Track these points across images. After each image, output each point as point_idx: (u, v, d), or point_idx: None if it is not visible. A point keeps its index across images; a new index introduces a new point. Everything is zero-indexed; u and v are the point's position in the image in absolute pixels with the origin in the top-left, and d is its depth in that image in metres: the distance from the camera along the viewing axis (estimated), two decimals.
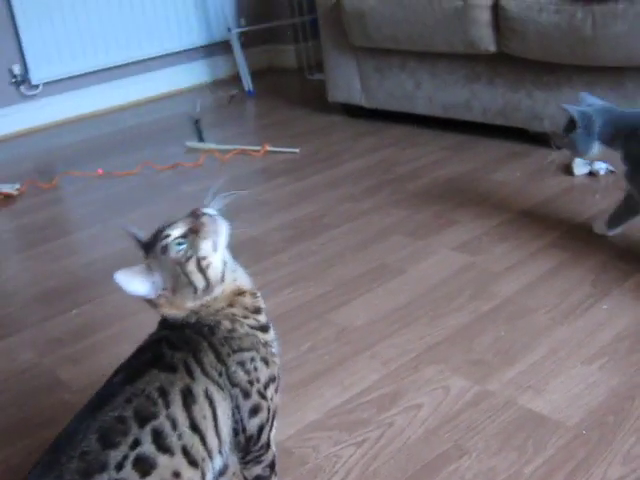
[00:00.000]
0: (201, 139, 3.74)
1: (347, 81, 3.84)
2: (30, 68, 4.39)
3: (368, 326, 2.03)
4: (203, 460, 1.16)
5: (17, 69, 4.39)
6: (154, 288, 1.22)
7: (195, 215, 1.25)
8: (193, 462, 1.14)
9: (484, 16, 3.09)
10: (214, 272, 1.23)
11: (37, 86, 4.46)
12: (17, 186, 3.42)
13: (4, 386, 1.96)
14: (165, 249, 1.22)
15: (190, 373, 1.18)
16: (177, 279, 1.21)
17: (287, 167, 3.35)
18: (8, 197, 3.36)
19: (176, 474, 1.11)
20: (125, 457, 1.07)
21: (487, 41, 3.12)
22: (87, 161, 3.75)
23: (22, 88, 4.43)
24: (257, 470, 1.31)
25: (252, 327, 1.27)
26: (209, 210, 1.27)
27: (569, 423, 1.59)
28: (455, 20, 3.17)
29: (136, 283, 1.21)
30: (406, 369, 1.83)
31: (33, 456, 1.61)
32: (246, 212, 2.85)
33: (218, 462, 1.21)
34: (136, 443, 1.08)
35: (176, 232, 1.23)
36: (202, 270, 1.21)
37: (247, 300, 1.29)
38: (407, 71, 3.56)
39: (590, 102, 2.19)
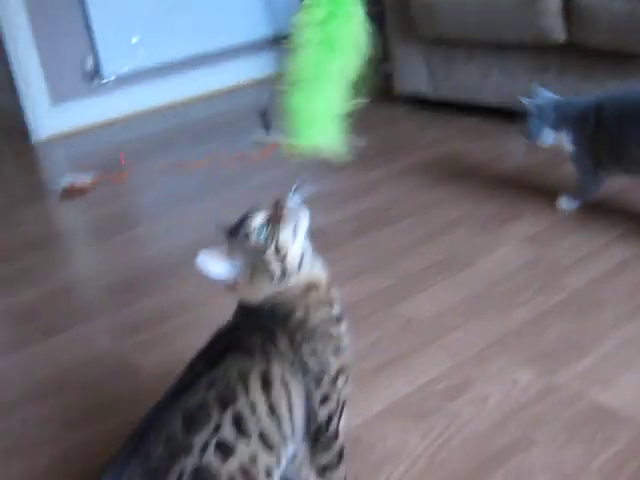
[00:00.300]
0: (268, 131, 3.79)
1: (414, 72, 3.83)
2: (102, 62, 4.50)
3: (435, 318, 2.04)
4: (279, 445, 1.20)
5: (89, 63, 4.51)
6: (233, 272, 1.26)
7: (277, 204, 1.28)
8: (270, 446, 1.18)
9: (554, 5, 3.04)
10: (292, 261, 1.26)
11: (108, 79, 4.56)
12: (90, 178, 3.52)
13: (81, 371, 2.03)
14: (247, 235, 1.25)
15: (267, 359, 1.21)
16: (255, 265, 1.25)
17: (353, 158, 3.36)
18: (82, 189, 3.46)
19: (253, 458, 1.15)
20: (208, 441, 1.11)
21: (557, 30, 3.07)
22: (156, 154, 3.85)
23: (94, 82, 4.55)
24: (326, 458, 1.33)
25: (324, 319, 1.29)
26: (292, 200, 1.30)
27: (639, 418, 1.57)
28: (524, 9, 3.13)
29: (216, 265, 1.25)
30: (473, 361, 1.83)
31: (109, 439, 1.68)
32: (312, 203, 2.87)
33: (291, 449, 1.24)
34: (217, 428, 1.12)
35: (258, 219, 1.26)
36: (280, 258, 1.24)
37: (322, 291, 1.31)
38: (475, 62, 3.53)
39: (544, 95, 2.51)
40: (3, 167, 4.27)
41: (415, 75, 3.82)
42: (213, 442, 1.11)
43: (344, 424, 1.35)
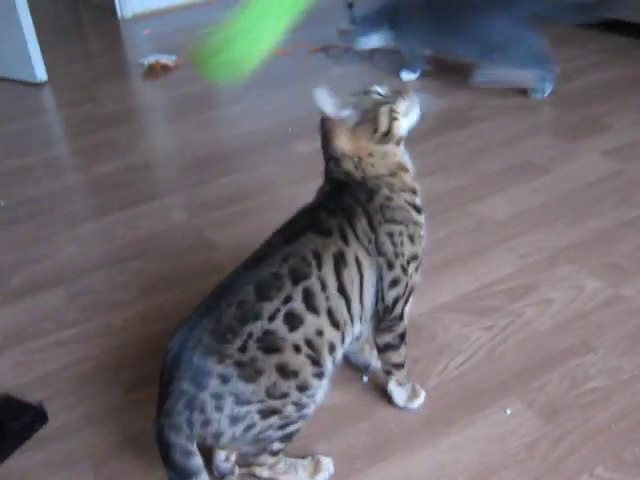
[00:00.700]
0: (353, 23, 3.72)
1: None
2: None
3: (508, 220, 2.04)
4: (345, 323, 1.25)
5: None
6: (343, 112, 1.29)
7: (401, 88, 1.36)
8: (336, 324, 1.23)
9: None
10: (397, 128, 1.32)
11: None
12: (174, 58, 3.55)
13: (159, 241, 2.12)
14: (367, 91, 1.34)
15: (344, 238, 1.25)
16: (367, 113, 1.30)
17: (439, 58, 3.30)
18: (165, 68, 3.50)
19: (319, 332, 1.20)
20: (277, 310, 1.17)
21: None
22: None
23: None
24: (388, 338, 1.39)
25: (408, 202, 1.33)
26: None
27: None
28: None
29: (327, 102, 1.29)
30: (542, 265, 1.85)
31: (183, 304, 1.76)
32: None
33: (357, 328, 1.29)
34: (288, 299, 1.18)
35: (382, 90, 1.35)
36: (391, 118, 1.30)
37: (407, 178, 1.35)
38: None
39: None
40: (90, 43, 4.34)
41: None
42: (283, 311, 1.17)
43: (409, 310, 1.39)
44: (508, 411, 1.43)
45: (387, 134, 1.31)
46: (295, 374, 1.17)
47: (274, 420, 1.18)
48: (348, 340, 1.28)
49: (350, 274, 1.25)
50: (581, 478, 1.29)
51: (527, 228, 2.00)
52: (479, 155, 2.41)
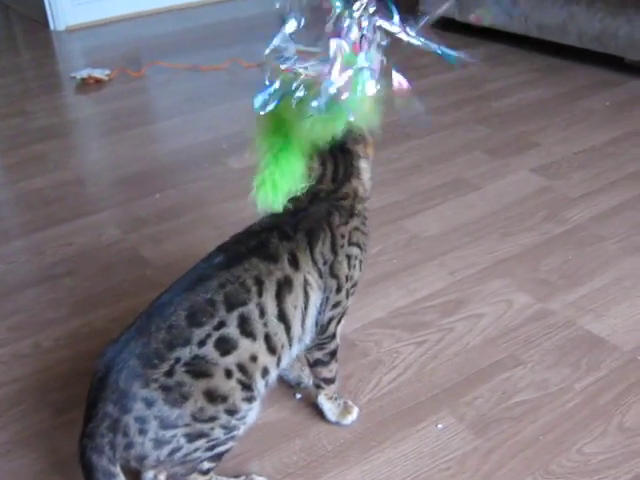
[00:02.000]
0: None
1: None
2: None
3: (439, 236, 2.08)
4: (282, 347, 1.24)
5: None
6: None
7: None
8: (272, 349, 1.21)
9: None
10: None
11: None
12: (107, 72, 3.51)
13: (90, 257, 2.09)
14: None
15: (294, 263, 1.23)
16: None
17: None
18: (99, 82, 3.46)
19: (253, 358, 1.19)
20: (208, 335, 1.14)
21: None
22: (176, 53, 3.82)
23: None
24: (319, 355, 1.39)
25: (365, 229, 1.35)
26: None
27: (625, 348, 1.63)
28: None
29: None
30: (472, 280, 1.88)
31: (115, 322, 1.75)
32: None
33: (296, 349, 1.29)
34: (221, 325, 1.15)
35: None
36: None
37: (364, 203, 1.37)
38: None
39: None
40: (21, 56, 4.26)
41: None
42: (214, 337, 1.15)
43: (341, 328, 1.40)
44: (439, 426, 1.45)
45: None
46: (224, 399, 1.16)
47: (201, 443, 1.17)
48: (285, 363, 1.27)
49: (294, 299, 1.23)
50: None
51: (458, 244, 2.03)
52: (413, 171, 2.45)
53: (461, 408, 1.49)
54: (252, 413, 1.22)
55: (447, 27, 3.83)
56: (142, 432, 1.12)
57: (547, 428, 1.44)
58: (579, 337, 1.67)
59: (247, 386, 1.18)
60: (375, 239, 2.06)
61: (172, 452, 1.15)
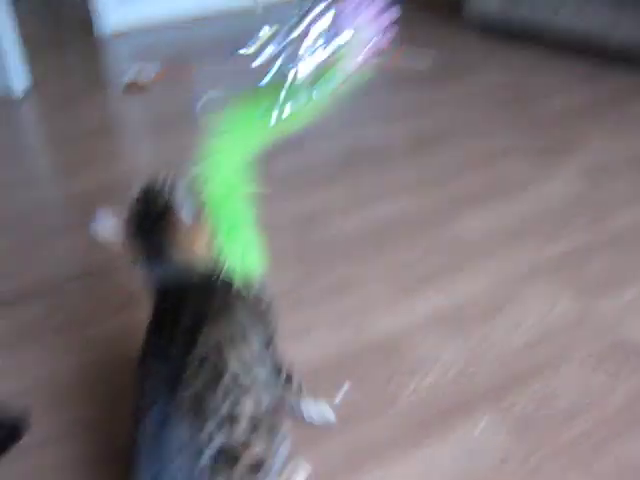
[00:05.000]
0: None
1: None
2: None
3: (482, 238, 2.08)
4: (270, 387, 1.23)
5: None
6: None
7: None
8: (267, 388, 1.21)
9: None
10: None
11: None
12: (153, 74, 3.56)
13: None
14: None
15: (230, 320, 1.22)
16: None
17: (413, 77, 3.34)
18: (144, 85, 3.50)
19: (258, 403, 1.15)
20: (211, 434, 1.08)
21: None
22: (224, 55, 3.84)
23: None
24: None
25: None
26: None
27: None
28: None
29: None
30: (515, 282, 1.88)
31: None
32: (370, 120, 2.90)
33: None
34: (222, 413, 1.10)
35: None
36: None
37: None
38: None
39: None
40: (68, 58, 4.34)
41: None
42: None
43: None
44: (479, 429, 1.45)
45: None
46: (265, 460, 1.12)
47: None
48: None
49: (247, 350, 1.21)
50: None
51: (501, 246, 2.03)
52: (457, 172, 2.45)
53: (500, 412, 1.49)
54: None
55: (490, 30, 3.83)
56: None
57: (587, 433, 1.43)
58: (620, 342, 1.66)
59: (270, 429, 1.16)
60: (417, 240, 2.07)
61: None
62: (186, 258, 1.29)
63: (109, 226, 1.31)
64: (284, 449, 1.19)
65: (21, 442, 1.50)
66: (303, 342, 1.72)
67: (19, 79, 3.43)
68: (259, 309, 1.32)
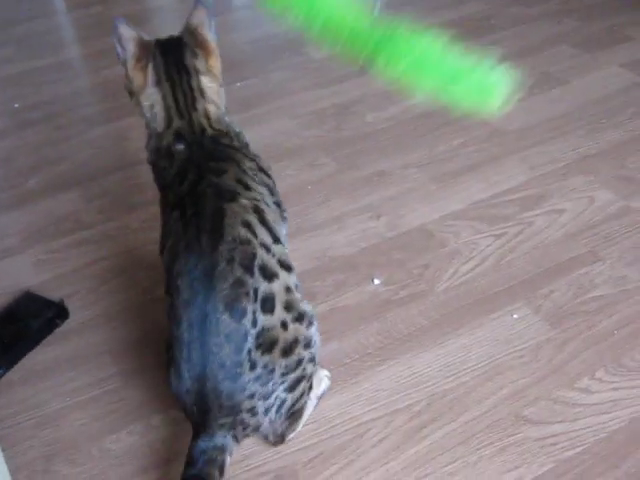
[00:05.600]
0: None
1: None
2: None
3: (522, 131, 2.04)
4: (290, 264, 1.22)
5: None
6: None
7: None
8: (289, 267, 1.20)
9: None
10: None
11: None
12: None
13: None
14: None
15: (247, 187, 1.21)
16: None
17: None
18: None
19: (287, 289, 1.17)
20: (254, 311, 1.11)
21: None
22: None
23: None
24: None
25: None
26: None
27: None
28: None
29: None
30: (554, 175, 1.86)
31: None
32: (411, 4, 2.81)
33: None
34: (256, 291, 1.12)
35: None
36: None
37: None
38: None
39: None
40: None
41: None
42: (259, 306, 1.11)
43: None
44: (515, 316, 1.47)
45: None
46: (296, 343, 1.16)
47: (303, 384, 1.21)
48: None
49: (270, 215, 1.22)
50: (582, 380, 1.34)
51: (542, 139, 2.00)
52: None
53: (537, 300, 1.51)
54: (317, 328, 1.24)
55: None
56: (254, 414, 1.15)
57: (622, 323, 1.44)
58: None
59: (301, 317, 1.18)
60: (457, 131, 2.04)
61: (279, 408, 1.19)
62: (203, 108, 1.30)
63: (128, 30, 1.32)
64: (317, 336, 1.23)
65: (60, 328, 1.56)
66: (339, 231, 1.74)
67: None
68: (261, 165, 1.32)
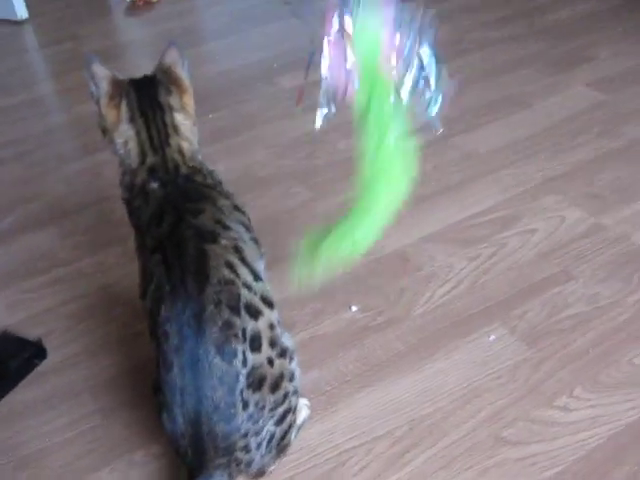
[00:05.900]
0: None
1: None
2: None
3: (491, 153, 2.07)
4: (272, 300, 1.22)
5: None
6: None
7: None
8: (271, 304, 1.21)
9: None
10: None
11: None
12: None
13: None
14: None
15: (225, 227, 1.21)
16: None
17: None
18: (148, 3, 3.44)
19: (271, 327, 1.18)
20: (244, 351, 1.11)
21: None
22: None
23: None
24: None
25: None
26: None
27: None
28: None
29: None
30: (525, 196, 1.89)
31: None
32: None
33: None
34: (244, 331, 1.12)
35: None
36: None
37: None
38: None
39: None
40: None
41: None
42: (247, 346, 1.11)
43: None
44: (491, 337, 1.49)
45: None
46: (281, 378, 1.17)
47: (289, 417, 1.22)
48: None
49: (249, 253, 1.22)
50: (560, 399, 1.35)
51: (510, 160, 2.03)
52: (465, 87, 2.41)
53: (512, 320, 1.53)
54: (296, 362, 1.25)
55: None
56: (248, 451, 1.16)
57: (597, 341, 1.46)
58: (631, 252, 1.67)
59: (284, 352, 1.19)
60: (426, 155, 2.04)
61: (269, 442, 1.20)
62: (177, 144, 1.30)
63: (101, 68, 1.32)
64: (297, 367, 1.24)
65: (38, 368, 1.55)
66: None
67: (19, 2, 3.36)
68: (235, 203, 1.32)
